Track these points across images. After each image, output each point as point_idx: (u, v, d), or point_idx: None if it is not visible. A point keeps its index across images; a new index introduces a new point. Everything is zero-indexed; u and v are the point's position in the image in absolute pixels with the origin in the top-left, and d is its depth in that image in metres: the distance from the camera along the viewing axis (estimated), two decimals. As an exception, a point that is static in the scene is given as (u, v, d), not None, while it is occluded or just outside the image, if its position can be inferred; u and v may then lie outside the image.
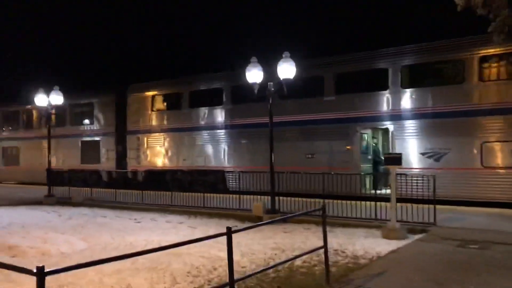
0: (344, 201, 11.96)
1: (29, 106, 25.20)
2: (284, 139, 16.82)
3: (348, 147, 15.67)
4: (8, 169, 27.63)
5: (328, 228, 10.86)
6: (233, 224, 11.91)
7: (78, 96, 24.12)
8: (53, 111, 17.72)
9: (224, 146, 18.73)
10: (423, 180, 11.45)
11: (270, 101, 12.31)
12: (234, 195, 13.99)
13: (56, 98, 17.33)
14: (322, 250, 6.64)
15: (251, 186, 15.17)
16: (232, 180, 17.98)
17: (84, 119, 23.86)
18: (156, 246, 9.18)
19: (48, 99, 17.33)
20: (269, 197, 12.51)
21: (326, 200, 11.56)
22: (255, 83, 12.15)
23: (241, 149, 18.23)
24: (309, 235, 9.99)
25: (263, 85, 12.22)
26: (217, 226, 11.50)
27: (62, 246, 9.04)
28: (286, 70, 11.87)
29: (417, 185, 11.55)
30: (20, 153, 26.79)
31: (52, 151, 24.74)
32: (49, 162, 18.17)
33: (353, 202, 11.98)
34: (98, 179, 22.64)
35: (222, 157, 18.72)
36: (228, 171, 18.11)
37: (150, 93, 21.12)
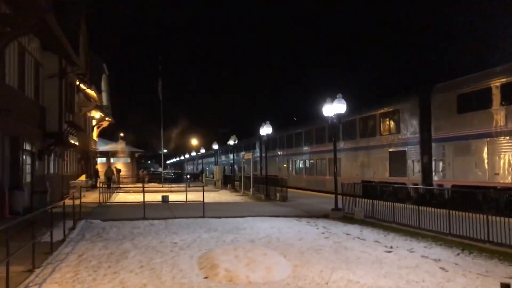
0: None
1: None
2: None
3: None
4: (331, 180, 28.72)
5: None
6: (512, 274, 7.81)
7: (385, 104, 22.78)
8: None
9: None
10: None
11: None
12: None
13: (339, 107, 16.48)
14: None
15: None
16: None
17: (391, 128, 22.14)
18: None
19: (332, 109, 16.69)
20: None
21: None
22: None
23: None
24: None
25: None
26: (482, 276, 7.71)
27: (259, 273, 7.83)
28: None
29: None
30: (341, 164, 27.33)
31: (365, 162, 24.31)
32: (335, 173, 17.39)
33: None
34: (407, 194, 20.38)
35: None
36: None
37: (455, 92, 17.43)
